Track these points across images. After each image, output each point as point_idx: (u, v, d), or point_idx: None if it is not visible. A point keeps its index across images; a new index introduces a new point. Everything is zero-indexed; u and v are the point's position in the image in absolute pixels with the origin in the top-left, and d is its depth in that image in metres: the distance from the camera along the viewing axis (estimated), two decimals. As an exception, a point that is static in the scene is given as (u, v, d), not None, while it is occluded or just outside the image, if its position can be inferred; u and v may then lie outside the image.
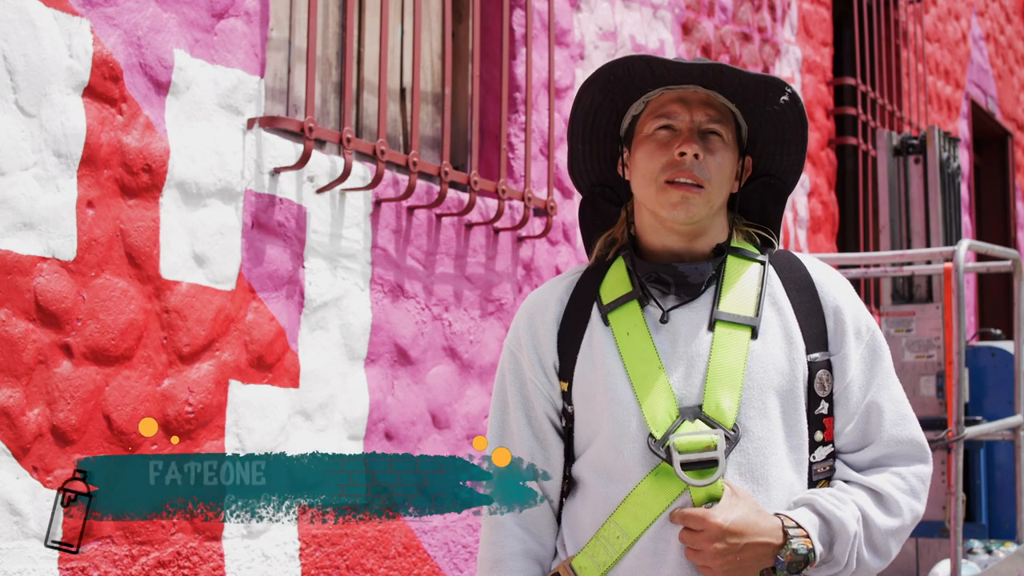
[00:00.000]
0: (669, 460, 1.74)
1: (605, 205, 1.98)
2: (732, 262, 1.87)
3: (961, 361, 3.83)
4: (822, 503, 1.77)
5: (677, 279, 1.83)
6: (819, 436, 1.83)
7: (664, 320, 1.82)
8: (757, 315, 1.82)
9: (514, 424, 1.92)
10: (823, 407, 1.83)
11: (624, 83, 1.87)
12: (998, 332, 5.66)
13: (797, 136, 1.89)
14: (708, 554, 1.70)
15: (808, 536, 1.73)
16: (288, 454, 1.72)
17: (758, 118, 1.88)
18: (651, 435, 1.76)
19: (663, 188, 1.81)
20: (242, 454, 1.73)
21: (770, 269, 1.88)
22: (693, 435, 1.74)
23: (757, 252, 1.90)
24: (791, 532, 1.73)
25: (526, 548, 1.89)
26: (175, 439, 2.73)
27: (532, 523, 1.90)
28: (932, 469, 1.90)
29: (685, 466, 1.73)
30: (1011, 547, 4.44)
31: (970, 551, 4.47)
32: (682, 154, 1.80)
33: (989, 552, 4.46)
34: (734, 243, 1.89)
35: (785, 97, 1.83)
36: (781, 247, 1.97)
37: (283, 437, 3.08)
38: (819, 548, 1.74)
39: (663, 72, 1.83)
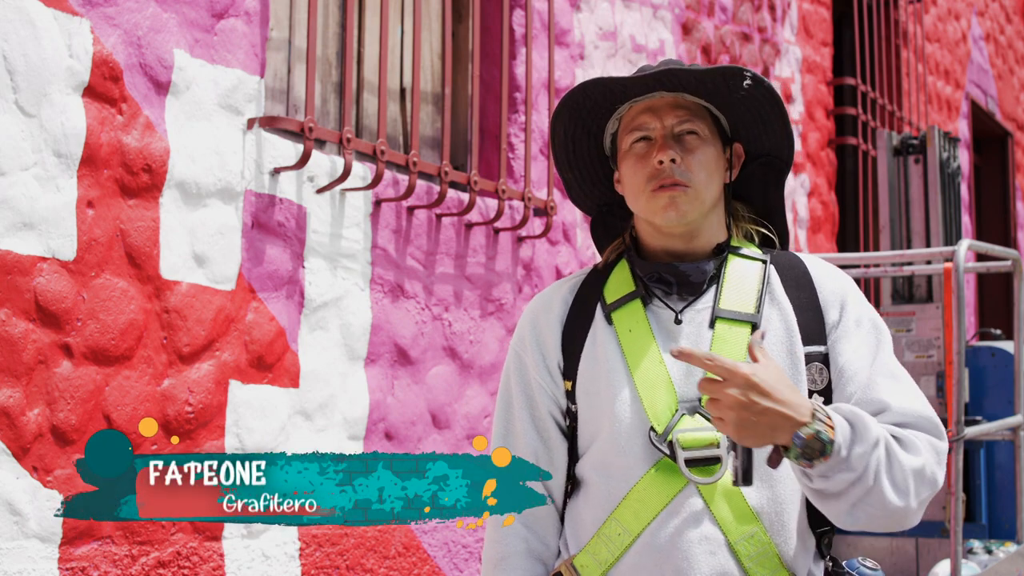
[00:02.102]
0: (673, 456, 1.74)
1: (614, 221, 2.01)
2: (733, 260, 1.88)
3: (961, 361, 3.83)
4: (848, 407, 1.69)
5: (679, 279, 1.84)
6: None
7: (678, 322, 1.83)
8: (758, 312, 1.83)
9: (518, 424, 1.93)
10: (819, 400, 1.83)
11: (588, 107, 1.90)
12: (998, 332, 5.65)
13: (774, 113, 1.89)
14: (726, 402, 1.60)
15: (833, 427, 1.64)
16: (288, 454, 1.72)
17: (730, 106, 1.88)
18: (652, 428, 1.77)
19: (651, 196, 1.83)
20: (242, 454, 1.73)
21: (771, 268, 1.89)
22: (696, 431, 1.74)
23: (758, 251, 1.91)
24: (819, 415, 1.64)
25: (529, 547, 1.90)
26: (175, 439, 2.73)
27: (535, 522, 1.91)
28: (947, 445, 1.80)
29: (688, 463, 1.73)
30: (1011, 547, 4.43)
31: (970, 551, 4.47)
32: (660, 162, 1.81)
33: (989, 552, 4.46)
34: (734, 242, 1.90)
35: (747, 82, 1.83)
36: (789, 243, 1.97)
37: (283, 437, 3.09)
38: (840, 441, 1.63)
39: (621, 89, 1.86)
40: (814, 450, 1.62)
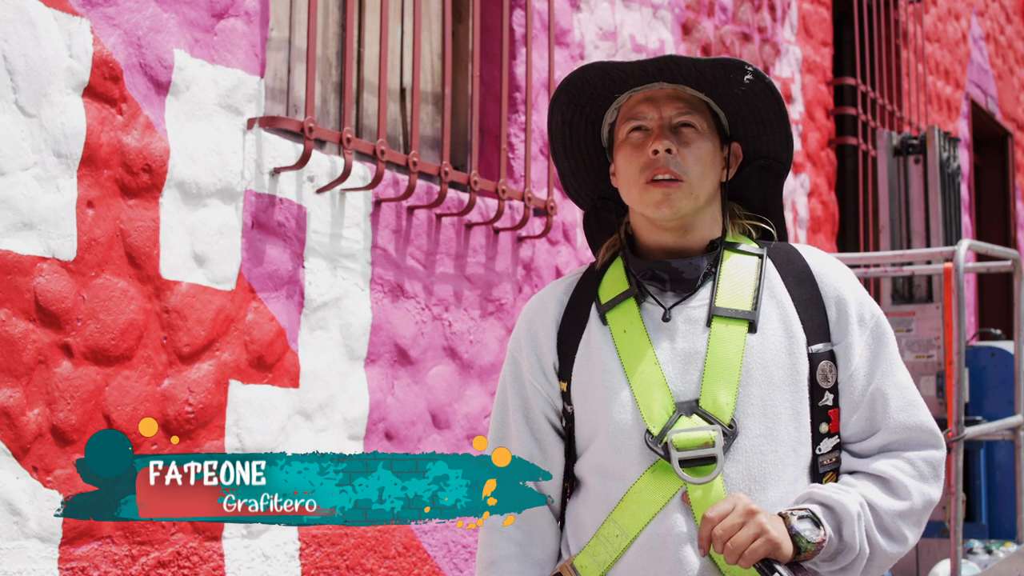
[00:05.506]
0: (667, 457, 1.73)
1: (607, 216, 1.99)
2: (728, 256, 1.86)
3: (961, 361, 3.83)
4: (819, 492, 1.76)
5: (672, 275, 1.83)
6: (824, 428, 1.82)
7: (667, 319, 1.81)
8: (755, 309, 1.81)
9: (513, 426, 1.93)
10: (827, 399, 1.82)
11: (588, 94, 1.88)
12: (998, 332, 5.66)
13: (774, 112, 1.88)
14: (747, 530, 1.66)
15: (802, 507, 1.73)
16: (288, 454, 1.72)
17: (731, 102, 1.87)
18: (648, 431, 1.76)
19: (644, 189, 1.81)
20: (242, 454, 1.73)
21: (768, 262, 1.87)
22: (691, 431, 1.73)
23: (754, 245, 1.89)
24: (785, 512, 1.72)
25: (521, 550, 1.89)
26: (175, 439, 2.73)
27: (529, 524, 1.89)
28: (945, 454, 1.86)
29: (683, 463, 1.72)
30: (1011, 547, 4.44)
31: (970, 551, 4.47)
32: (655, 152, 1.80)
33: (989, 552, 4.46)
34: (730, 238, 1.89)
35: (748, 76, 1.82)
36: (786, 237, 1.96)
37: (283, 437, 3.09)
38: (829, 531, 1.71)
39: (621, 76, 1.84)
40: (806, 526, 1.70)
